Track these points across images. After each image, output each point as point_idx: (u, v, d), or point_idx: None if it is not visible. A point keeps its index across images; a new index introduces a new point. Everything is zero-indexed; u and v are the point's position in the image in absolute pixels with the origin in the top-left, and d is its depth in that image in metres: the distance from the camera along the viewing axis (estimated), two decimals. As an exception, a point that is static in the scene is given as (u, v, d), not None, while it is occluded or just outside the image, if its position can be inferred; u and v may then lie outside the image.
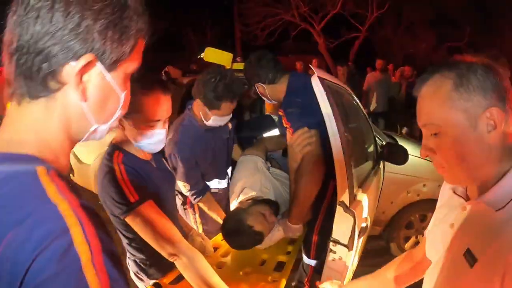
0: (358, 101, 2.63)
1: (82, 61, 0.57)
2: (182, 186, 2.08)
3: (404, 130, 5.50)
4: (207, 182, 2.18)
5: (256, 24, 14.39)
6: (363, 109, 2.74)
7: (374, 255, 3.64)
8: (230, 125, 2.24)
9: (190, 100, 2.12)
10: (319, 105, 1.60)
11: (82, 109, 0.61)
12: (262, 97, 2.17)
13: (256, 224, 1.73)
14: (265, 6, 13.93)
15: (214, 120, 1.98)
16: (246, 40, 15.46)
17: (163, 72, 2.59)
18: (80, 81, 0.58)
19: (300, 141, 1.79)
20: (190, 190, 2.08)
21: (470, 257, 0.79)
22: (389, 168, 2.94)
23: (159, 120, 1.36)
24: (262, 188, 2.07)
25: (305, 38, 14.93)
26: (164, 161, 1.71)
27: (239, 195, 2.08)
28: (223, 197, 2.26)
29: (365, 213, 2.11)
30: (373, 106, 6.28)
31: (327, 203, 1.95)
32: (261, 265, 1.81)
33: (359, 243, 1.85)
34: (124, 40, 0.60)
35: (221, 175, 2.26)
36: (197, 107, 2.01)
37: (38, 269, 0.46)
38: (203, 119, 2.00)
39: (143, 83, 1.26)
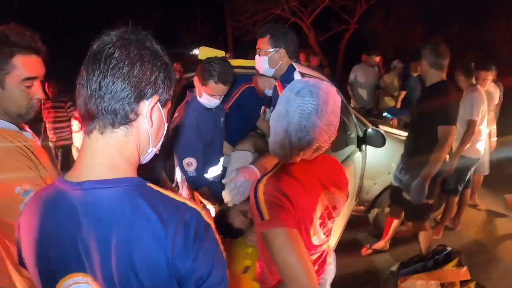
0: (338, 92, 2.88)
1: (153, 101, 0.82)
2: (185, 165, 2.23)
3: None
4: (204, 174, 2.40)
5: (247, 20, 14.55)
6: (344, 99, 3.00)
7: (360, 237, 3.94)
8: (222, 119, 2.49)
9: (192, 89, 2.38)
10: None
11: (148, 134, 0.84)
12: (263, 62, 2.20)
13: (234, 222, 2.01)
14: (255, 1, 14.09)
15: (204, 98, 2.23)
16: (237, 36, 15.64)
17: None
18: (150, 113, 0.82)
19: None
20: (195, 170, 2.23)
21: None
22: (371, 151, 3.22)
23: None
24: None
25: (296, 31, 15.08)
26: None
27: None
28: (218, 186, 2.44)
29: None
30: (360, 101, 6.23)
31: None
32: (243, 272, 1.76)
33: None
34: (171, 86, 0.86)
35: (215, 161, 2.49)
36: (196, 84, 2.26)
37: (195, 229, 0.77)
38: (197, 96, 2.26)
39: None
